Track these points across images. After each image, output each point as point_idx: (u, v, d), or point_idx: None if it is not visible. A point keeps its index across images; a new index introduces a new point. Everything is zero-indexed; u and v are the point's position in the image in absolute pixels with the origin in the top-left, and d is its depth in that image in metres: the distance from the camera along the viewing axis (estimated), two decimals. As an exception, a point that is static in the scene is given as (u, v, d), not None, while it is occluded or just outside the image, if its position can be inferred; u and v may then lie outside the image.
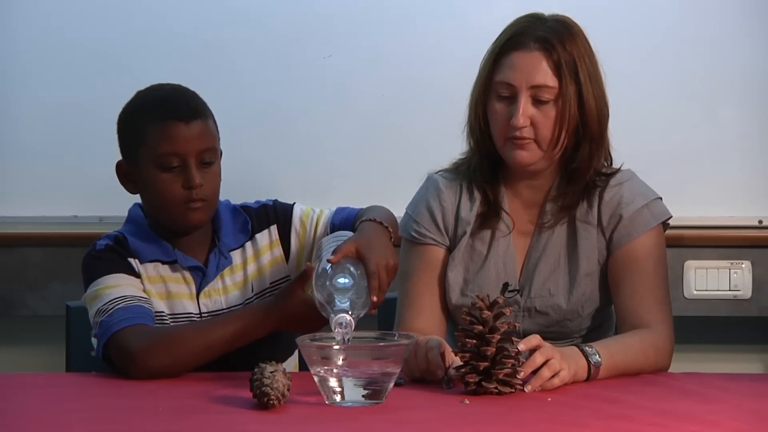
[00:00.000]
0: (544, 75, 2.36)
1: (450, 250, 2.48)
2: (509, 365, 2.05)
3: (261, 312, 2.31)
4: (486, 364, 2.05)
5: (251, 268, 2.47)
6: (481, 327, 2.06)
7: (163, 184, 2.36)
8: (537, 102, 2.37)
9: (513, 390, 2.06)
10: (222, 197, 2.45)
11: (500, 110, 2.39)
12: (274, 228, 2.50)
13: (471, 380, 2.05)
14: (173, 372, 2.25)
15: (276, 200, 2.54)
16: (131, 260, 2.40)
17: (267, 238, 2.49)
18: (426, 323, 2.43)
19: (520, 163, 2.40)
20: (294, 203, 2.54)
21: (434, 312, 2.46)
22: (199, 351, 2.28)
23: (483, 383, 2.05)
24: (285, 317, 2.28)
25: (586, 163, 2.42)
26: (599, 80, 2.41)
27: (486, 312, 2.07)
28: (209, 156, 2.38)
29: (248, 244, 2.48)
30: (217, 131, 2.43)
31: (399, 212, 2.78)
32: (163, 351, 2.26)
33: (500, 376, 2.05)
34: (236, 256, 2.46)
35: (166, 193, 2.36)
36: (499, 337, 2.06)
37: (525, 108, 2.36)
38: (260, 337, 2.30)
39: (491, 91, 2.41)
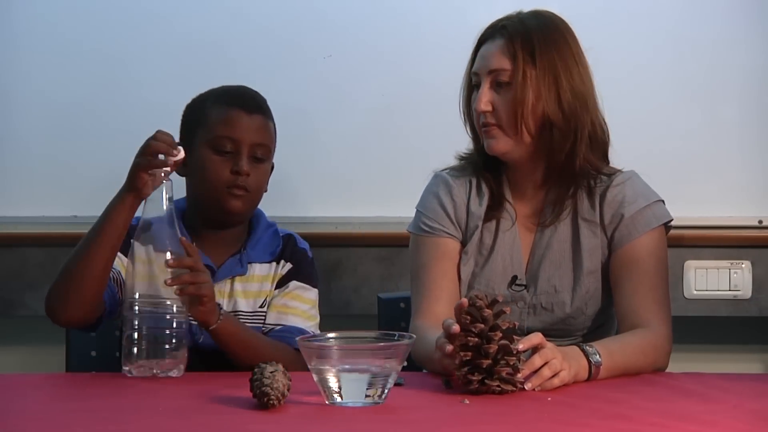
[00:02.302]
0: (500, 59, 2.42)
1: (463, 244, 2.49)
2: (511, 363, 2.06)
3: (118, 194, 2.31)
4: (488, 362, 2.05)
5: (266, 286, 2.50)
6: (482, 325, 2.06)
7: (212, 164, 2.44)
8: (497, 87, 2.42)
9: (515, 388, 2.07)
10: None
11: (473, 101, 2.46)
12: (288, 265, 2.54)
13: (473, 378, 2.05)
14: (65, 296, 2.29)
15: (314, 260, 2.58)
16: (135, 242, 2.37)
17: (281, 269, 2.53)
18: (445, 309, 2.39)
19: (492, 152, 2.45)
20: (314, 284, 2.55)
21: (452, 298, 2.42)
22: (77, 257, 2.29)
23: (486, 381, 2.05)
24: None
25: (549, 150, 2.42)
26: (573, 70, 2.42)
27: (486, 310, 2.07)
28: (262, 152, 2.47)
29: (274, 264, 2.52)
30: (275, 137, 2.52)
31: (398, 212, 2.79)
32: (56, 279, 2.31)
33: (502, 374, 2.05)
34: (255, 268, 2.49)
35: (213, 175, 2.44)
36: (500, 335, 2.06)
37: (484, 93, 2.43)
38: (127, 198, 2.27)
39: (472, 85, 2.48)
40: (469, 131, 2.52)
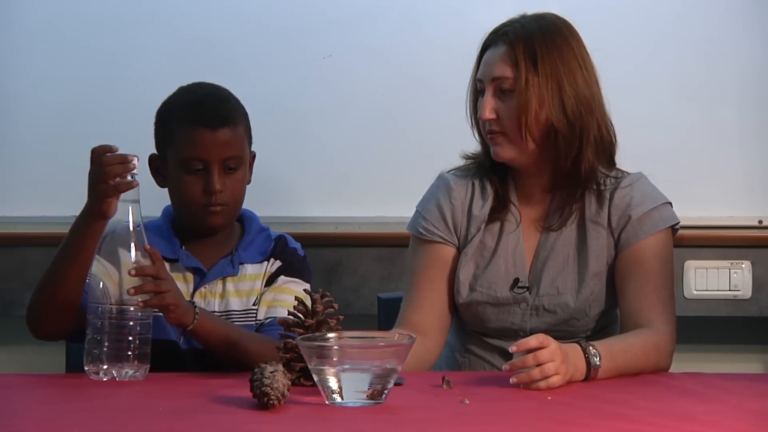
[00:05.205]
0: (502, 67, 2.41)
1: (460, 248, 2.49)
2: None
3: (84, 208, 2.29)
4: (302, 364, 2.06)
5: (258, 284, 2.49)
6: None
7: (186, 185, 2.42)
8: (501, 95, 2.42)
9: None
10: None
11: (478, 107, 2.45)
12: (278, 263, 2.52)
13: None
14: (40, 310, 2.33)
15: (306, 258, 2.54)
16: (101, 247, 2.37)
17: (270, 267, 2.52)
18: (423, 318, 2.45)
19: (498, 159, 2.45)
20: (305, 279, 2.52)
21: (433, 308, 2.47)
22: (48, 273, 2.31)
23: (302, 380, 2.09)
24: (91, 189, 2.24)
25: (554, 156, 2.43)
26: (576, 75, 2.42)
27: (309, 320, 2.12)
28: (234, 163, 2.43)
29: (266, 264, 2.50)
30: (248, 136, 2.48)
31: (398, 212, 2.79)
32: (31, 299, 2.35)
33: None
34: (247, 268, 2.48)
35: (188, 195, 2.43)
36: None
37: (488, 101, 2.42)
38: (95, 224, 2.24)
39: (478, 91, 2.48)
40: (476, 135, 2.52)
